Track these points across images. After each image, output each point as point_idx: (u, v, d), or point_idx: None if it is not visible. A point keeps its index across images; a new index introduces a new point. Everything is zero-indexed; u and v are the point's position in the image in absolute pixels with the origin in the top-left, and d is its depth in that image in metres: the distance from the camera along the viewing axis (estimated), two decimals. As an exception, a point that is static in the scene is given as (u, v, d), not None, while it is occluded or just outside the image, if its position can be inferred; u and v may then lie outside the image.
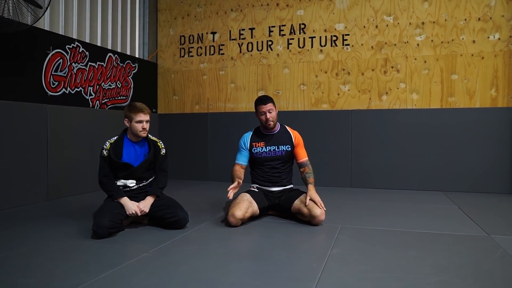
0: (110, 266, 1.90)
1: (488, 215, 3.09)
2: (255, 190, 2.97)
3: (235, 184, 2.74)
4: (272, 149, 2.96)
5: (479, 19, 4.25)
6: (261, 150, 2.96)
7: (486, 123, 4.19)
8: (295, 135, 3.02)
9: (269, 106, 2.90)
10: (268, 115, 2.89)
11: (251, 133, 3.06)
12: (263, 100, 2.93)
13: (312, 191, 2.79)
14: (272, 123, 2.91)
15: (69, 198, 3.88)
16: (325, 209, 2.73)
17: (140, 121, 2.67)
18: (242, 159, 2.99)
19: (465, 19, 4.29)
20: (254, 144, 2.98)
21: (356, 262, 2.00)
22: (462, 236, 2.50)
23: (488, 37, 4.23)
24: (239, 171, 2.94)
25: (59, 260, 2.03)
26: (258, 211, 2.83)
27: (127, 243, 2.32)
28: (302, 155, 2.99)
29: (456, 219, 2.99)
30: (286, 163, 3.01)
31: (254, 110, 3.01)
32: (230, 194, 2.67)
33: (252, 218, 2.84)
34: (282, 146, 2.97)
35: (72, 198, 3.86)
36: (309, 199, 2.73)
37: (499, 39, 4.19)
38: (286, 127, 3.08)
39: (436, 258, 2.05)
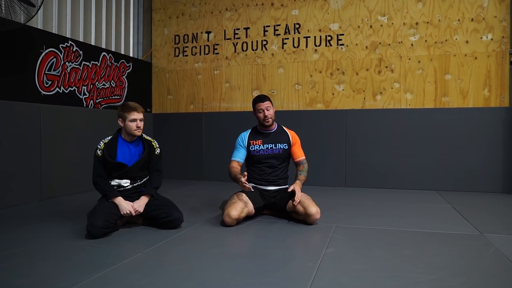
0: (105, 266, 1.89)
1: (481, 214, 3.11)
2: (251, 189, 2.96)
3: (243, 179, 2.70)
4: (269, 147, 2.99)
5: (472, 19, 4.28)
6: (259, 147, 3.00)
7: (479, 123, 4.22)
8: (292, 135, 3.06)
9: (267, 103, 2.97)
10: (266, 112, 2.95)
11: (249, 131, 3.10)
12: (261, 98, 3.00)
13: (296, 184, 2.80)
14: (270, 120, 2.97)
15: (62, 198, 3.85)
16: (298, 201, 2.69)
17: (134, 120, 2.66)
18: (239, 156, 3.01)
19: (459, 20, 4.32)
20: (251, 142, 3.02)
21: (351, 261, 2.00)
22: (456, 235, 2.52)
23: (481, 38, 4.26)
24: (237, 168, 2.94)
25: (53, 260, 2.01)
26: (253, 211, 2.83)
27: (121, 243, 2.31)
28: (299, 154, 3.03)
29: (450, 218, 3.02)
30: (283, 161, 3.03)
31: (252, 110, 3.07)
32: (249, 186, 2.70)
33: (247, 217, 2.84)
34: (279, 144, 3.00)
35: (65, 198, 3.83)
36: (292, 189, 2.75)
37: (492, 39, 4.22)
38: (283, 127, 3.13)
39: (430, 257, 2.06)
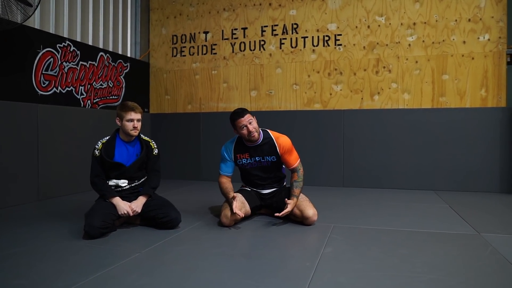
0: (102, 267, 1.89)
1: (479, 214, 3.12)
2: (247, 189, 2.97)
3: (233, 201, 2.65)
4: (257, 159, 2.82)
5: (469, 20, 4.30)
6: (246, 161, 2.84)
7: (476, 123, 4.24)
8: (279, 144, 2.77)
9: (248, 117, 2.69)
10: (250, 127, 2.67)
11: (234, 142, 2.87)
12: (239, 113, 2.70)
13: (291, 203, 2.64)
14: (256, 134, 2.71)
15: (60, 198, 3.84)
16: (280, 215, 2.61)
17: (131, 120, 2.65)
18: (227, 170, 2.86)
19: (456, 20, 4.34)
20: (238, 155, 2.84)
21: (349, 261, 2.01)
22: (453, 234, 2.53)
23: (478, 38, 4.27)
24: (227, 184, 2.81)
25: (50, 260, 2.01)
26: (250, 211, 2.83)
27: (119, 243, 2.30)
28: (291, 162, 2.79)
29: (447, 217, 3.02)
30: (273, 170, 2.90)
31: (232, 127, 2.77)
32: (240, 213, 2.61)
33: (245, 217, 2.83)
34: (267, 157, 2.81)
35: (63, 198, 3.82)
36: (285, 212, 2.61)
37: (488, 40, 4.24)
38: (270, 133, 2.84)
39: (428, 256, 2.07)
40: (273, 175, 2.93)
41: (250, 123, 2.68)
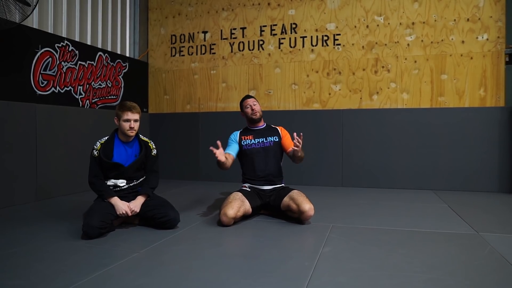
0: (101, 267, 1.88)
1: (477, 213, 3.13)
2: (247, 189, 2.97)
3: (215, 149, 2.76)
4: (260, 140, 3.08)
5: (468, 19, 4.30)
6: (250, 142, 3.07)
7: (475, 122, 4.24)
8: (280, 128, 3.18)
9: (253, 100, 3.14)
10: (254, 106, 3.09)
11: (240, 130, 3.19)
12: (247, 96, 3.20)
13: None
14: (258, 113, 3.10)
15: (58, 198, 3.84)
16: (300, 144, 2.73)
17: (127, 120, 2.64)
18: (230, 149, 3.06)
19: (454, 20, 4.34)
20: (243, 137, 3.10)
21: (348, 261, 2.01)
22: (452, 234, 2.53)
23: (477, 38, 4.28)
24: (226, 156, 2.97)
25: (49, 261, 2.00)
26: (250, 210, 2.83)
27: (118, 243, 2.30)
28: (291, 144, 3.01)
29: (446, 217, 3.03)
30: (275, 154, 3.07)
31: (240, 111, 3.19)
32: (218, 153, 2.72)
33: (244, 217, 2.83)
34: (270, 138, 3.09)
35: (61, 198, 3.81)
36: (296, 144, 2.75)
37: (487, 39, 4.24)
38: (271, 125, 3.23)
39: (427, 256, 2.07)
40: (275, 161, 3.06)
41: (254, 104, 3.12)
